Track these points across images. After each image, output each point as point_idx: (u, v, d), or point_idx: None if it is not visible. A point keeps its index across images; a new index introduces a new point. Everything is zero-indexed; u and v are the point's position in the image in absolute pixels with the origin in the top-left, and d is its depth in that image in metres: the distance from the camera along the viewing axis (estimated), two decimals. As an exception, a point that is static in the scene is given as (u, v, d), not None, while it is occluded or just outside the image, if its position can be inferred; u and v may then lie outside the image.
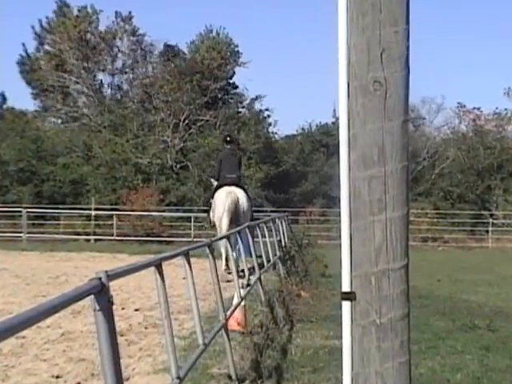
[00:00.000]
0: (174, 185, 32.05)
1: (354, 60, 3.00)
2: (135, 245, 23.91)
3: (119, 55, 36.48)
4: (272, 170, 34.13)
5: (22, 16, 52.98)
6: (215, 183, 15.03)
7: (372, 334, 3.02)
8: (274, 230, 14.93)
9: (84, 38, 35.10)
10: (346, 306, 3.05)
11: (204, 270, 10.53)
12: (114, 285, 3.06)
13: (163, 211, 28.68)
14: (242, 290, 8.04)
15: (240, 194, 14.12)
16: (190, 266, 5.28)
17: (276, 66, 58.34)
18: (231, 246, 8.25)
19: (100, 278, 2.86)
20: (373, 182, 3.00)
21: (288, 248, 16.97)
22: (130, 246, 22.86)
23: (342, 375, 3.08)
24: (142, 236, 25.61)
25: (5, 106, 38.30)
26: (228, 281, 10.81)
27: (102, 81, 36.97)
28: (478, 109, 36.61)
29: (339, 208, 3.05)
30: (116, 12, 35.62)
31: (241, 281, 8.26)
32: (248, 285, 9.37)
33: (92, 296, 2.79)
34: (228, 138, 15.50)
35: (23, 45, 36.75)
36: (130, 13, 35.69)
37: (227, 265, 13.78)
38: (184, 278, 5.60)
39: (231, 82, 37.08)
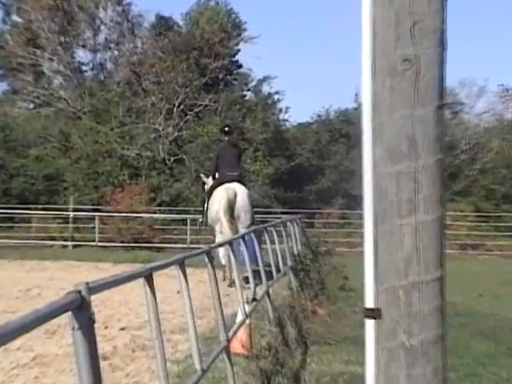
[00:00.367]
0: (166, 181, 32.12)
1: (381, 35, 3.00)
2: (121, 252, 23.99)
3: (102, 28, 36.61)
4: (283, 164, 34.17)
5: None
6: (208, 180, 15.10)
7: (400, 358, 3.02)
8: (284, 235, 14.95)
9: (60, 6, 35.10)
10: (369, 325, 3.06)
11: (202, 281, 10.57)
12: (95, 299, 3.07)
13: (154, 212, 28.75)
14: (246, 306, 8.05)
15: (240, 188, 14.26)
16: (186, 278, 5.29)
17: (288, 42, 58.22)
18: (233, 253, 8.26)
19: (79, 292, 2.87)
20: (401, 179, 3.01)
21: (301, 256, 16.98)
22: (114, 254, 22.93)
23: (364, 407, 3.09)
24: (129, 241, 25.66)
25: (-34, 89, 38.54)
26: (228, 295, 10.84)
27: (81, 58, 37.12)
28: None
29: (362, 210, 3.06)
30: (98, -24, 35.87)
31: (245, 295, 8.27)
32: (254, 299, 9.37)
33: (70, 313, 2.79)
34: (226, 129, 15.52)
35: (-14, 15, 37.07)
36: (115, -22, 35.95)
37: (225, 275, 13.84)
38: (178, 292, 5.61)
39: (235, 60, 37.12)
